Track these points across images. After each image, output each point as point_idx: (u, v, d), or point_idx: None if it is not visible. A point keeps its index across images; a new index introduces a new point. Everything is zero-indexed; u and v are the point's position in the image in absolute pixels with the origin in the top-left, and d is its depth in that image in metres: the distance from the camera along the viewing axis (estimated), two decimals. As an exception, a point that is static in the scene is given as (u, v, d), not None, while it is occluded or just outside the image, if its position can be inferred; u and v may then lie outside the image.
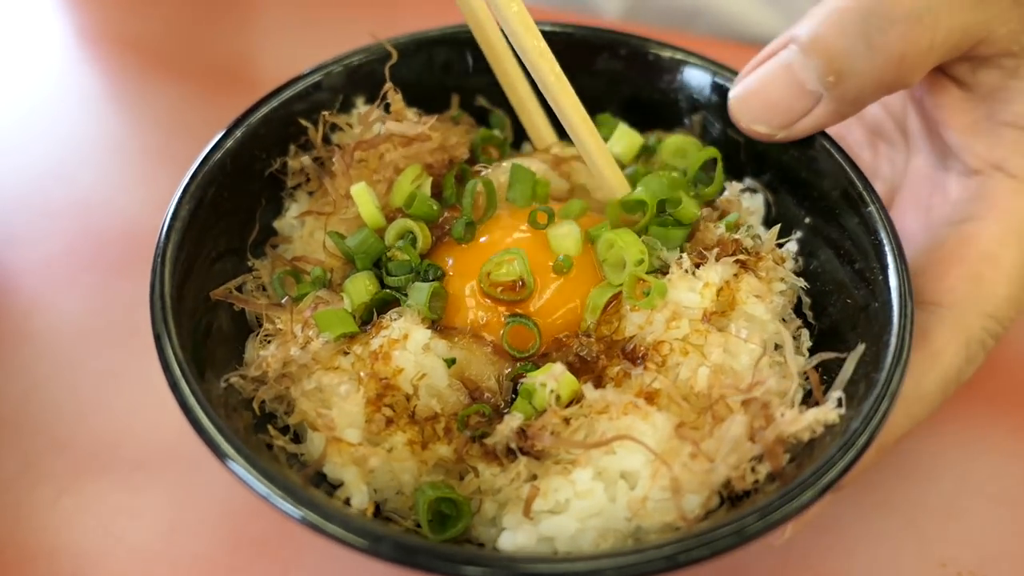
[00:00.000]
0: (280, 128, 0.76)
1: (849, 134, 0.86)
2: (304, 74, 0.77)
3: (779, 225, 0.73)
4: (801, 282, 0.72)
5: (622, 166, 0.76)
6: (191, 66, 1.10)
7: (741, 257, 0.69)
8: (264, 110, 0.75)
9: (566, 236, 0.71)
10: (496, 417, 0.66)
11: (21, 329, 0.87)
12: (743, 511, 0.56)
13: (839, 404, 0.62)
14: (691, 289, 0.68)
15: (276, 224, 0.78)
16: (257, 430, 0.66)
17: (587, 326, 0.69)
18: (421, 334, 0.67)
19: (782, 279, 0.71)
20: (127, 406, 0.82)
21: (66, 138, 1.05)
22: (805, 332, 0.71)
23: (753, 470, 0.61)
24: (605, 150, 0.74)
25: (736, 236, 0.70)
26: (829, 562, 0.74)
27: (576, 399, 0.64)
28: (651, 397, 0.63)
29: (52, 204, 0.98)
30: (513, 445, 0.63)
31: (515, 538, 0.60)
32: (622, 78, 0.82)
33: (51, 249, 0.93)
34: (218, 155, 0.71)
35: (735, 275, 0.69)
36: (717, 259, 0.69)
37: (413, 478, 0.64)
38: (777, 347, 0.69)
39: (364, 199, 0.72)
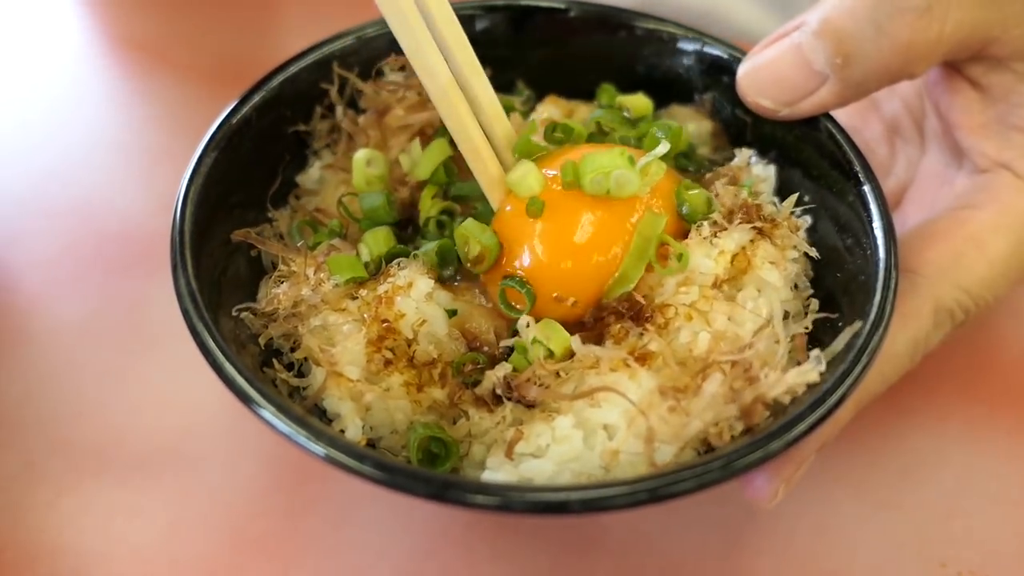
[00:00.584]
0: (307, 88, 0.79)
1: (867, 128, 0.87)
2: (337, 36, 0.80)
3: (796, 195, 0.74)
4: (813, 251, 0.73)
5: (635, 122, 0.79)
6: (194, 65, 1.10)
7: (758, 224, 0.70)
8: (292, 69, 0.78)
9: (524, 176, 0.71)
10: (491, 367, 0.69)
11: (21, 329, 0.87)
12: (708, 457, 0.59)
13: (818, 363, 0.64)
14: (707, 255, 0.69)
15: (299, 178, 0.81)
16: (264, 365, 0.69)
17: (614, 295, 0.69)
18: (425, 283, 0.70)
19: (795, 247, 0.72)
20: (127, 406, 0.82)
21: (67, 138, 1.05)
22: (815, 302, 0.73)
23: (731, 427, 0.63)
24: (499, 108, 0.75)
25: (757, 201, 0.72)
26: (829, 562, 0.74)
27: (570, 355, 0.67)
28: (643, 358, 0.65)
29: (53, 204, 0.98)
30: (499, 391, 0.66)
31: (495, 476, 0.64)
32: (636, 57, 0.84)
33: (52, 249, 0.94)
34: (245, 109, 0.75)
35: (751, 240, 0.70)
36: (736, 223, 0.70)
37: (407, 418, 0.68)
38: (787, 315, 0.71)
39: (357, 166, 0.77)
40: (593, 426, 0.64)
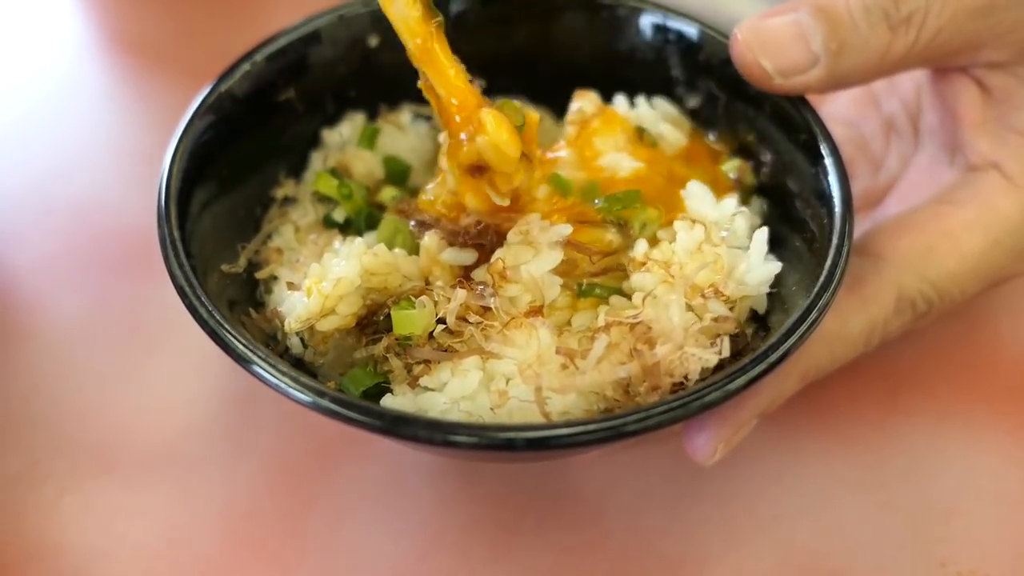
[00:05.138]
0: (300, 57, 0.80)
1: (865, 123, 0.88)
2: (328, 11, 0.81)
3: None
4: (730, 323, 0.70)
5: None
6: (194, 65, 1.10)
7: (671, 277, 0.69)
8: (282, 40, 0.79)
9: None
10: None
11: (22, 328, 0.87)
12: (650, 404, 0.60)
13: (720, 352, 0.65)
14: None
15: (324, 132, 0.83)
16: (240, 312, 0.72)
17: None
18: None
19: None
20: (128, 406, 0.83)
21: (67, 137, 1.05)
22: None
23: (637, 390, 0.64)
24: None
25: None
26: (829, 562, 0.74)
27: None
28: (535, 311, 0.67)
29: (53, 203, 0.98)
30: (387, 355, 0.68)
31: (394, 401, 0.66)
32: (618, 38, 0.83)
33: (52, 248, 0.94)
34: (236, 76, 0.77)
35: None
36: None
37: (344, 344, 0.71)
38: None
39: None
40: (493, 372, 0.66)
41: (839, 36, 0.70)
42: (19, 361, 0.85)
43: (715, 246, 0.70)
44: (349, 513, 0.76)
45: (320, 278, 0.68)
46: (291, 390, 0.60)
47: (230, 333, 0.63)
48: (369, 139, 0.82)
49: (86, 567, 0.73)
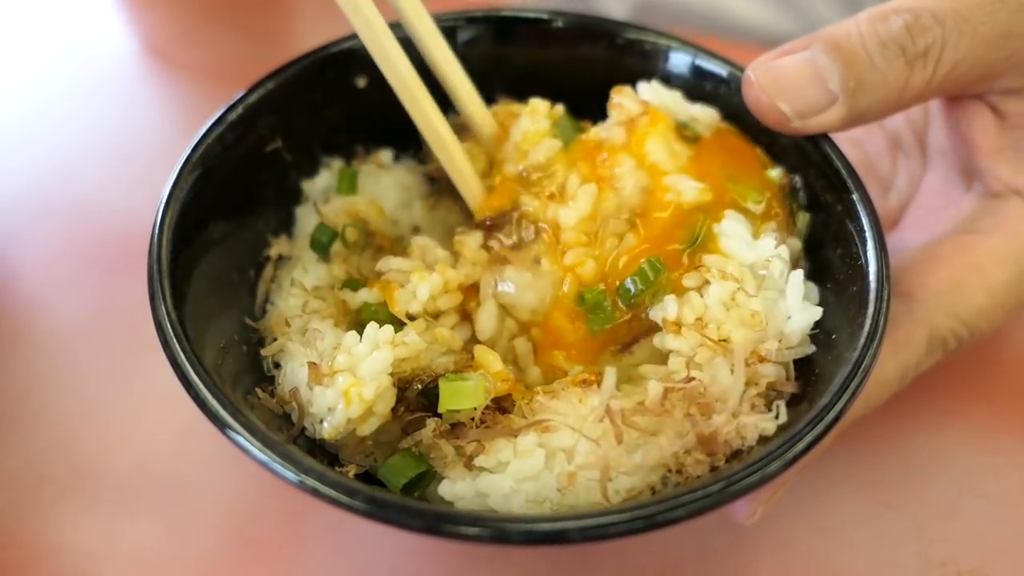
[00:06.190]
0: (286, 103, 0.76)
1: (870, 141, 0.87)
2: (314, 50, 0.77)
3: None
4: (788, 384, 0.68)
5: None
6: (196, 65, 1.10)
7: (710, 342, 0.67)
8: (269, 85, 0.75)
9: None
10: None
11: (22, 328, 0.88)
12: (704, 481, 0.58)
13: (777, 416, 0.63)
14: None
15: (304, 185, 0.79)
16: (246, 392, 0.68)
17: None
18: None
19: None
20: (128, 405, 0.83)
21: (67, 138, 1.05)
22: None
23: (696, 459, 0.62)
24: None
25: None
26: (829, 562, 0.74)
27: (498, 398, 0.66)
28: (588, 382, 0.66)
29: (53, 203, 0.98)
30: (437, 440, 0.65)
31: (453, 487, 0.63)
32: (619, 67, 0.81)
33: (52, 248, 0.94)
34: (221, 128, 0.72)
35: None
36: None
37: (379, 422, 0.67)
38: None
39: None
40: (552, 448, 0.63)
41: (856, 73, 0.69)
42: (18, 361, 0.85)
43: (750, 296, 0.67)
44: (349, 513, 0.76)
45: (358, 381, 0.64)
46: (349, 501, 0.57)
47: (274, 454, 0.59)
48: (349, 183, 0.79)
49: (85, 567, 0.73)
